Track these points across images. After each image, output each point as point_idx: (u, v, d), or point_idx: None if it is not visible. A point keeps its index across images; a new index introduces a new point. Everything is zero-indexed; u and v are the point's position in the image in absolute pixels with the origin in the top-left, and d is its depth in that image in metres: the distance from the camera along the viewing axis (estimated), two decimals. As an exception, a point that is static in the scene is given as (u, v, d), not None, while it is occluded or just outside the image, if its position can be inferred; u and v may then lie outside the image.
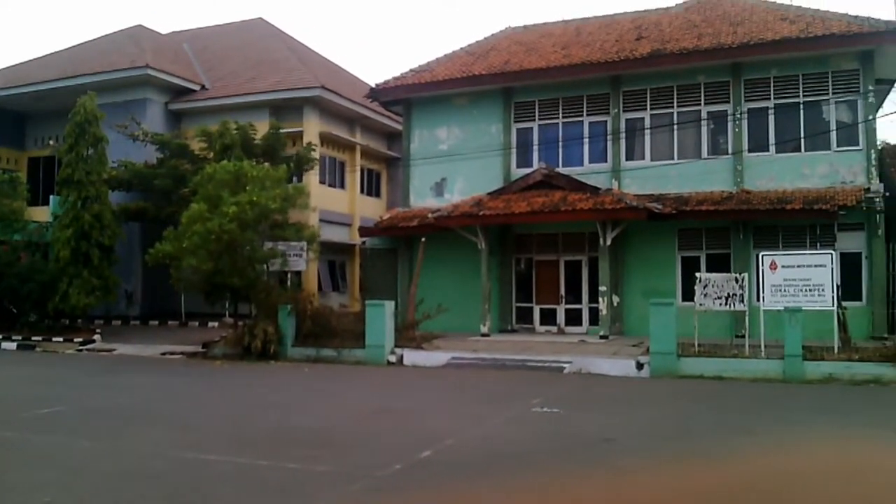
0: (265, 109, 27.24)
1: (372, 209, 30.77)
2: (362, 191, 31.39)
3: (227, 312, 23.55)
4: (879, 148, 21.52)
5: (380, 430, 9.62)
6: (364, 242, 25.51)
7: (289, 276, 21.41)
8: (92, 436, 9.21)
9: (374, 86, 24.55)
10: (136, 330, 24.80)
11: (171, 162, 24.75)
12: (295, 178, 24.13)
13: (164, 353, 19.54)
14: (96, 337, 22.02)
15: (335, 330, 18.42)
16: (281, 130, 24.90)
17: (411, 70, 24.54)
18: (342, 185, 30.15)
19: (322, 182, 28.00)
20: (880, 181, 19.42)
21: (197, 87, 29.11)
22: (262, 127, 25.00)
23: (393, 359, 17.29)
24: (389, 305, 17.94)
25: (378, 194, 32.94)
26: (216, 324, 23.97)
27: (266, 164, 20.55)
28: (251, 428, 9.79)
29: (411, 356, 17.22)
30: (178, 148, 25.07)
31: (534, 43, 24.29)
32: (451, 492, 6.74)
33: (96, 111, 23.12)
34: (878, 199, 18.90)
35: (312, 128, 27.35)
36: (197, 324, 25.50)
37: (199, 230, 17.38)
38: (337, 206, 29.24)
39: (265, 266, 19.20)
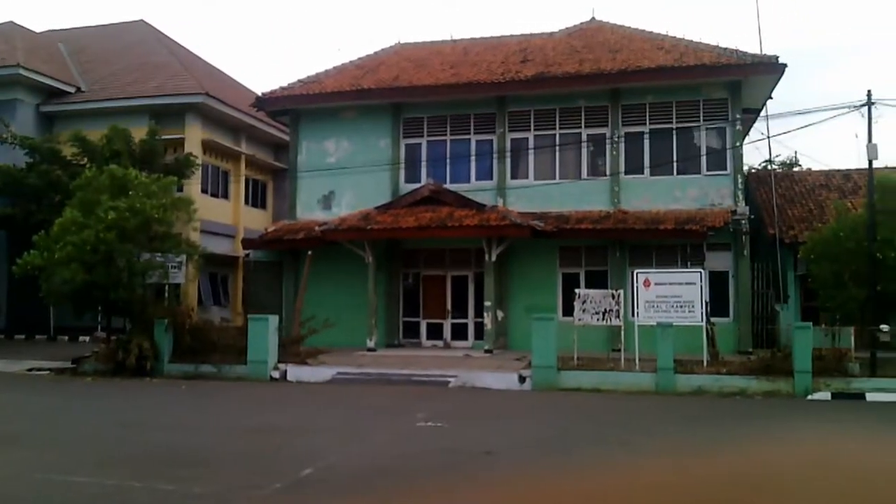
0: (145, 115, 26.24)
1: (257, 221, 30.12)
2: (247, 202, 30.69)
3: (99, 326, 22.43)
4: (745, 173, 22.99)
5: (260, 448, 9.40)
6: (248, 255, 24.92)
7: (167, 288, 20.62)
8: (-56, 461, 8.56)
9: (260, 95, 24.13)
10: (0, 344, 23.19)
11: (41, 167, 23.38)
12: (175, 188, 23.31)
13: (30, 370, 18.33)
14: (-47, 353, 20.43)
15: (216, 345, 17.87)
16: (162, 137, 24.05)
17: (299, 81, 24.29)
18: (226, 196, 29.38)
19: (204, 191, 27.20)
20: (746, 204, 20.73)
21: (72, 90, 27.72)
22: (141, 133, 24.05)
23: (276, 375, 16.94)
24: (273, 320, 17.58)
25: (263, 206, 32.29)
26: (87, 338, 22.77)
27: (143, 171, 19.75)
28: (123, 448, 9.36)
29: (295, 372, 16.93)
30: (49, 153, 23.74)
31: (423, 60, 24.56)
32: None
33: (-40, 111, 21.57)
34: (743, 221, 20.15)
35: (195, 135, 26.56)
36: (67, 338, 24.15)
37: (74, 240, 16.45)
38: (220, 216, 28.45)
39: (142, 278, 18.40)
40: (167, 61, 29.33)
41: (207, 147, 27.30)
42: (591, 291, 17.58)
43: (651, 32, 23.81)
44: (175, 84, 27.05)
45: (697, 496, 7.15)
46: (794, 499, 7.18)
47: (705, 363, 15.93)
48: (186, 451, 9.11)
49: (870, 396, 14.28)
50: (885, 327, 16.53)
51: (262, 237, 23.32)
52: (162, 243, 18.42)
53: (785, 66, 19.99)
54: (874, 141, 16.15)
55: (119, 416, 12.23)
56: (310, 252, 20.21)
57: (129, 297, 17.84)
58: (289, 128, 24.82)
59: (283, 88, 23.92)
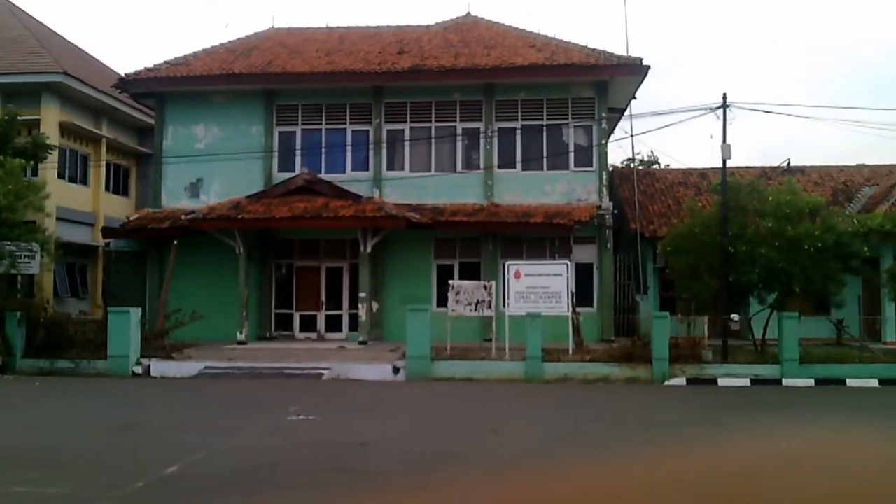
0: (-4, 94, 24.30)
1: (119, 209, 28.56)
2: (108, 188, 29.03)
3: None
4: (610, 170, 24.01)
5: (121, 446, 8.98)
6: (109, 244, 23.66)
7: (19, 279, 19.27)
8: None
9: (123, 75, 22.91)
10: None
11: None
12: (28, 171, 21.79)
13: None
14: None
15: (73, 339, 16.91)
16: (18, 118, 22.35)
17: (166, 62, 23.23)
18: (85, 181, 27.68)
19: (61, 176, 25.50)
20: (610, 200, 21.67)
21: (-89, 63, 25.25)
22: (-7, 113, 22.25)
23: (139, 370, 16.21)
24: (136, 313, 16.79)
25: (126, 193, 30.65)
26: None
27: (-4, 154, 18.36)
28: (-34, 451, 8.69)
29: (160, 367, 16.26)
30: None
31: (298, 46, 24.09)
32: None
33: None
34: (607, 216, 21.05)
35: (52, 116, 24.85)
36: None
37: None
38: (78, 203, 26.79)
39: (-11, 268, 17.13)
40: (21, 36, 27.25)
41: (66, 129, 25.60)
42: (465, 283, 17.89)
43: (524, 30, 24.39)
44: (30, 61, 25.18)
45: (562, 482, 7.43)
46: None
47: (571, 352, 16.58)
48: (41, 451, 8.58)
49: (721, 381, 15.32)
50: (735, 316, 17.78)
51: (123, 226, 22.21)
52: (11, 231, 17.19)
53: (648, 67, 21.02)
54: (728, 141, 17.28)
55: (-38, 417, 11.35)
56: (175, 242, 19.41)
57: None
58: (154, 111, 23.72)
59: (148, 70, 22.81)
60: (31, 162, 21.98)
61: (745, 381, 15.31)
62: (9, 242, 17.32)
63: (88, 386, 14.78)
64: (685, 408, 12.71)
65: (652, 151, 39.09)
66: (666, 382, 15.35)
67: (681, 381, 15.43)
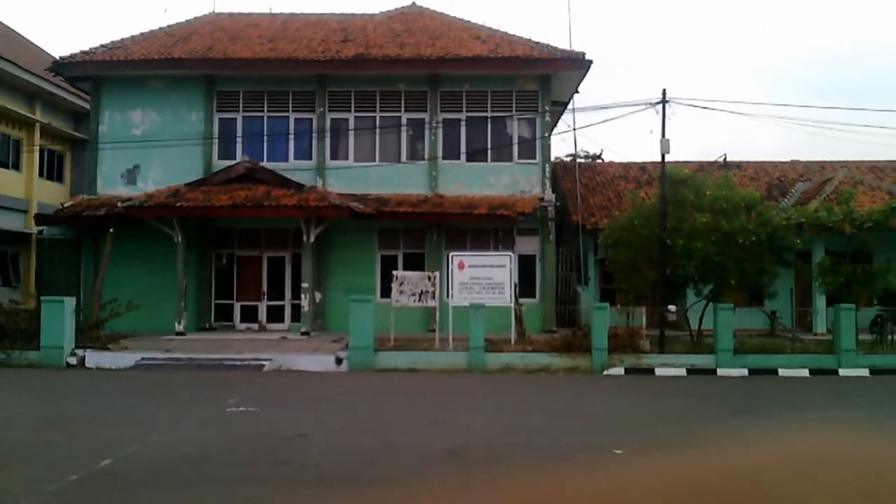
0: (-82, 74, 23.29)
1: (53, 195, 27.70)
2: (41, 174, 28.12)
3: None
4: (553, 163, 24.27)
5: (54, 439, 8.74)
6: (42, 232, 22.93)
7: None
8: None
9: (58, 58, 22.18)
10: None
11: None
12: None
13: None
14: None
15: (4, 329, 16.33)
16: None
17: (102, 46, 22.56)
18: (17, 167, 26.77)
19: (-9, 162, 24.64)
20: (552, 192, 21.90)
21: None
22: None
23: (73, 361, 15.79)
24: (70, 302, 16.32)
25: (61, 179, 29.75)
26: None
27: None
28: None
29: (95, 358, 15.86)
30: None
31: (239, 32, 23.65)
32: (132, 501, 6.36)
33: None
34: (550, 208, 21.29)
35: (-20, 99, 23.96)
36: None
37: None
38: (10, 189, 25.89)
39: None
40: (-55, 14, 26.18)
41: (-5, 112, 24.71)
42: (409, 273, 17.90)
43: (469, 22, 24.43)
44: (-46, 40, 24.21)
45: (501, 472, 7.54)
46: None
47: (513, 342, 16.75)
48: (-35, 447, 8.29)
49: (658, 371, 15.69)
50: (672, 308, 18.19)
51: (57, 213, 21.54)
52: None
53: (591, 62, 21.28)
54: (667, 136, 17.65)
55: None
56: (111, 230, 18.91)
57: None
58: (90, 96, 23.02)
59: (84, 53, 22.12)
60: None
61: (682, 371, 15.70)
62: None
63: (20, 377, 14.33)
64: (622, 396, 12.98)
65: (600, 152, 39.62)
66: (605, 372, 15.64)
67: (619, 370, 15.74)
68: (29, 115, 26.54)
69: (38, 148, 27.35)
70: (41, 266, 23.75)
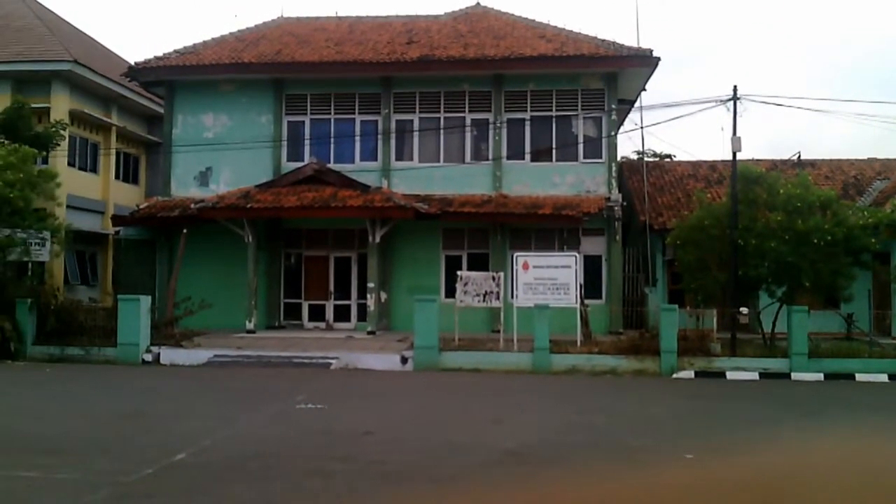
0: (7, 81, 24.35)
1: (128, 197, 28.66)
2: (118, 176, 29.13)
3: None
4: (619, 162, 23.92)
5: (131, 433, 9.04)
6: (118, 232, 23.77)
7: (30, 266, 19.39)
8: None
9: (133, 64, 22.95)
10: None
11: None
12: (40, 160, 21.87)
13: None
14: None
15: (84, 327, 17.03)
16: (30, 106, 22.44)
17: (176, 51, 23.26)
18: (95, 170, 27.79)
19: (71, 164, 25.60)
20: (619, 192, 21.59)
21: (-80, 51, 25.35)
22: (3, 101, 22.34)
23: (149, 358, 16.31)
24: (145, 300, 16.87)
25: (136, 181, 30.75)
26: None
27: (7, 142, 18.43)
28: (-23, 436, 8.78)
29: (169, 355, 16.35)
30: None
31: (307, 36, 24.06)
32: (205, 495, 6.52)
33: None
34: (616, 208, 20.98)
35: (61, 104, 24.91)
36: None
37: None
38: (88, 191, 26.90)
39: (1, 255, 17.22)
40: (31, 24, 27.32)
41: (75, 118, 25.68)
42: (473, 274, 17.87)
43: (534, 21, 24.30)
44: (40, 49, 25.25)
45: (563, 472, 7.45)
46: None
47: (579, 343, 16.56)
48: (50, 438, 8.66)
49: (730, 374, 15.28)
50: (744, 310, 17.69)
51: (133, 214, 22.29)
52: (22, 219, 17.29)
53: (658, 59, 20.89)
54: (738, 134, 17.19)
55: (-27, 403, 11.45)
56: (185, 230, 19.47)
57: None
58: (164, 100, 23.76)
59: (157, 58, 22.85)
60: (43, 150, 22.08)
61: (754, 375, 15.27)
62: (20, 230, 17.43)
63: (98, 373, 14.88)
64: (692, 400, 12.69)
65: (666, 152, 38.87)
66: (674, 375, 15.33)
67: (689, 373, 15.41)
68: (105, 119, 27.52)
69: (114, 151, 28.35)
70: (118, 265, 24.63)
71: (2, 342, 15.98)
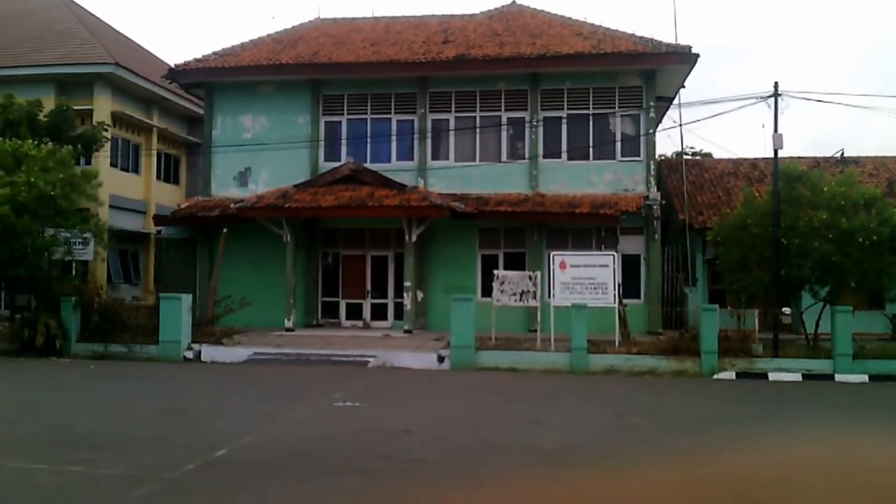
0: (50, 84, 24.94)
1: (169, 197, 29.17)
2: (159, 177, 29.65)
3: (2, 304, 21.36)
4: (658, 160, 23.65)
5: (172, 429, 9.18)
6: (160, 232, 24.19)
7: (74, 265, 19.81)
8: None
9: (173, 66, 23.31)
10: None
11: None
12: (83, 161, 22.33)
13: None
14: None
15: (126, 324, 17.35)
16: (72, 108, 22.94)
17: (214, 53, 23.58)
18: (136, 170, 28.32)
19: (114, 165, 26.13)
20: (658, 190, 21.35)
21: (-30, 55, 26.07)
22: (47, 103, 22.87)
23: (190, 355, 16.55)
24: (186, 299, 17.14)
25: (177, 181, 31.28)
26: (-13, 317, 21.67)
27: (51, 143, 18.87)
28: (27, 430, 8.99)
29: (210, 352, 16.58)
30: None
31: (343, 36, 24.21)
32: (246, 491, 6.59)
33: None
34: (655, 207, 20.74)
35: (104, 106, 25.44)
36: (-35, 317, 22.91)
37: (-33, 216, 15.64)
38: (130, 191, 27.42)
39: (46, 255, 17.63)
40: (74, 28, 27.94)
41: (117, 119, 26.21)
42: (510, 273, 17.81)
43: (570, 19, 24.15)
44: (83, 52, 25.81)
45: (599, 472, 7.38)
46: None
47: (617, 343, 16.40)
48: (95, 433, 8.82)
49: (772, 376, 15.00)
50: (787, 310, 17.39)
51: (174, 214, 22.63)
52: (65, 219, 17.67)
53: (697, 56, 20.61)
54: (780, 131, 16.87)
55: (23, 398, 11.73)
56: (225, 230, 19.72)
57: (32, 273, 17.11)
58: (203, 101, 24.09)
59: (197, 60, 23.17)
60: (86, 151, 22.54)
61: (797, 376, 14.98)
62: (63, 230, 17.81)
63: (141, 370, 15.13)
64: (733, 401, 12.49)
65: (704, 149, 38.34)
66: (715, 376, 15.11)
67: (730, 374, 15.17)
68: (147, 120, 28.03)
69: (155, 152, 28.85)
70: (159, 264, 25.04)
71: (47, 339, 16.33)
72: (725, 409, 11.66)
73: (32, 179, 16.22)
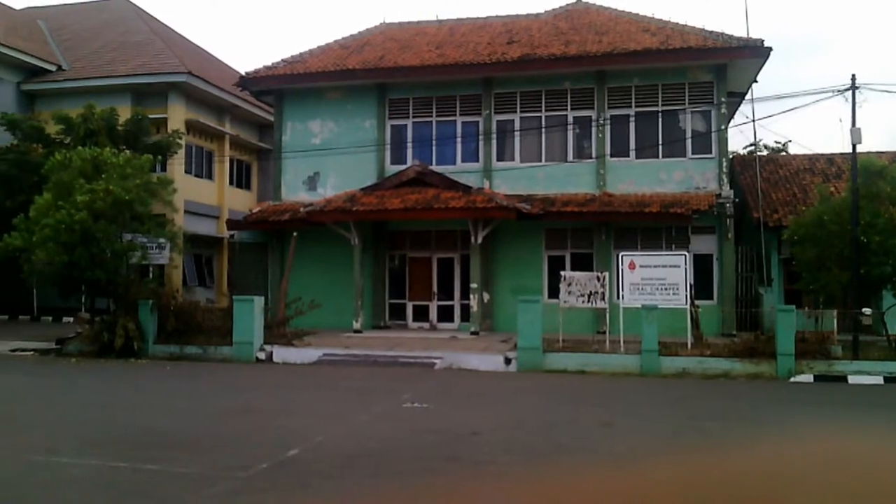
0: (127, 94, 25.95)
1: (242, 202, 29.94)
2: (231, 182, 30.48)
3: (83, 307, 22.27)
4: (730, 157, 23.05)
5: (246, 429, 9.39)
6: (233, 236, 24.80)
7: (151, 269, 20.50)
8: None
9: (244, 74, 23.90)
10: (-20, 326, 23.02)
11: (23, 146, 23.09)
12: (158, 167, 23.11)
13: (13, 350, 18.21)
14: (-64, 333, 20.28)
15: (201, 326, 17.82)
16: (148, 117, 23.78)
17: (283, 60, 24.05)
18: (210, 176, 29.17)
19: (188, 172, 26.99)
20: (730, 188, 20.80)
21: (53, 68, 27.35)
22: (124, 112, 23.79)
23: (262, 356, 16.92)
24: (259, 301, 17.53)
25: (248, 187, 32.09)
26: (71, 319, 22.61)
27: (128, 151, 19.59)
28: (107, 429, 9.32)
29: (281, 353, 16.91)
30: (31, 130, 23.46)
31: (408, 40, 24.39)
32: (318, 490, 6.68)
33: (-65, 88, 21.24)
34: (728, 205, 20.20)
35: (178, 115, 26.31)
36: (51, 319, 23.99)
37: (50, 221, 16.33)
38: (204, 197, 28.26)
39: (124, 259, 18.28)
40: (149, 39, 28.98)
41: (191, 127, 27.05)
42: (577, 274, 17.61)
43: (637, 15, 23.76)
44: (157, 62, 26.74)
45: (672, 476, 7.22)
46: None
47: (689, 345, 16.03)
48: (171, 432, 9.09)
49: (852, 379, 14.43)
50: (867, 310, 16.72)
51: (246, 218, 23.16)
52: (142, 224, 18.29)
53: (770, 49, 20.01)
54: (858, 125, 16.24)
55: (104, 398, 12.19)
56: (295, 233, 20.11)
57: (111, 277, 17.77)
58: (273, 108, 24.61)
59: (267, 68, 23.68)
60: (161, 158, 23.33)
61: (878, 379, 14.36)
62: (140, 235, 18.45)
63: (215, 371, 15.52)
64: (814, 406, 12.06)
65: (782, 144, 37.16)
66: (791, 379, 14.62)
67: (808, 377, 14.66)
68: (219, 128, 28.84)
69: (227, 158, 29.65)
70: (232, 267, 25.70)
71: (126, 341, 16.90)
72: (804, 414, 11.27)
73: (110, 187, 16.82)
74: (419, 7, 70.03)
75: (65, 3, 33.63)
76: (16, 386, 13.42)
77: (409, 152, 22.60)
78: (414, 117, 22.84)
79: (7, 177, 22.67)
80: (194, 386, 13.69)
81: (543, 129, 21.94)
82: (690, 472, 7.40)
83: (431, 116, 22.74)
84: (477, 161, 22.15)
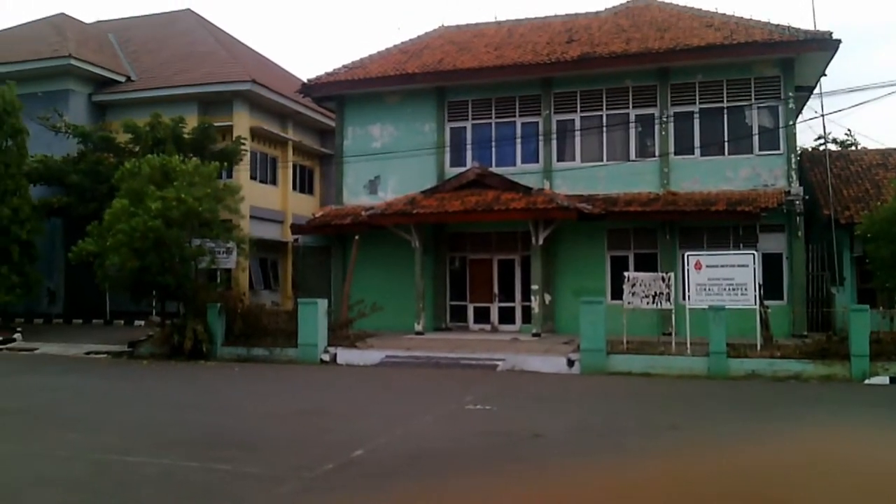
0: (194, 103, 26.65)
1: (305, 206, 30.42)
2: (295, 187, 31.01)
3: (153, 311, 22.96)
4: (799, 153, 22.38)
5: (311, 429, 9.53)
6: (297, 240, 25.22)
7: (218, 273, 21.01)
8: (4, 438, 8.86)
9: (306, 81, 24.29)
10: (58, 329, 23.95)
11: (93, 156, 23.94)
12: (224, 174, 23.68)
13: (88, 353, 18.92)
14: (17, 336, 21.18)
15: (267, 329, 18.17)
16: (213, 125, 24.40)
17: (344, 66, 24.36)
18: (274, 182, 29.73)
19: (253, 178, 27.56)
20: (800, 184, 20.19)
21: (122, 79, 28.27)
22: (190, 121, 24.46)
23: (326, 358, 17.15)
24: (322, 303, 17.78)
25: (311, 191, 32.59)
26: (143, 322, 23.35)
27: (195, 158, 20.14)
28: (177, 429, 9.58)
29: (345, 355, 17.11)
30: (101, 140, 24.31)
31: (467, 43, 24.42)
32: (384, 491, 6.73)
33: (15, 102, 22.23)
34: (797, 202, 19.61)
35: (243, 122, 26.90)
36: (122, 322, 24.80)
37: (124, 227, 16.90)
38: (268, 202, 28.81)
39: (193, 264, 18.79)
40: (214, 49, 29.72)
41: (255, 134, 27.62)
42: (641, 274, 17.33)
43: (700, 10, 23.28)
44: (222, 72, 27.39)
45: (740, 486, 7.03)
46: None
47: (759, 347, 15.60)
48: (240, 433, 9.28)
49: (931, 381, 13.85)
50: (945, 309, 16.02)
51: (310, 222, 23.53)
52: (210, 230, 18.77)
53: (839, 41, 19.36)
54: (936, 117, 15.56)
55: (174, 399, 12.53)
56: (357, 237, 20.34)
57: (180, 282, 18.26)
58: (334, 113, 24.94)
59: (328, 74, 24.02)
60: (227, 165, 23.91)
61: (962, 382, 13.75)
62: (208, 240, 18.92)
63: (281, 372, 15.79)
64: (886, 408, 11.60)
65: (850, 131, 35.99)
66: (866, 381, 14.09)
67: (883, 379, 14.11)
68: (282, 134, 29.37)
69: (291, 164, 30.18)
70: (297, 271, 26.13)
71: (195, 344, 17.33)
72: (881, 418, 10.84)
73: (182, 195, 17.30)
74: (479, 9, 70.06)
75: (133, 16, 34.79)
76: (89, 388, 13.90)
77: (469, 154, 22.61)
78: (473, 119, 22.84)
79: (80, 186, 23.52)
80: (261, 387, 13.95)
81: (604, 128, 21.68)
82: (766, 477, 7.18)
83: (490, 118, 22.70)
84: (537, 162, 22.02)
